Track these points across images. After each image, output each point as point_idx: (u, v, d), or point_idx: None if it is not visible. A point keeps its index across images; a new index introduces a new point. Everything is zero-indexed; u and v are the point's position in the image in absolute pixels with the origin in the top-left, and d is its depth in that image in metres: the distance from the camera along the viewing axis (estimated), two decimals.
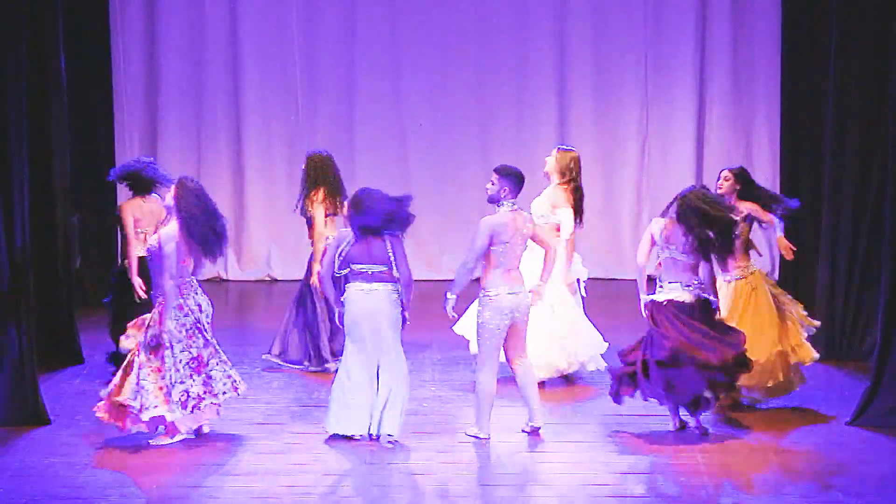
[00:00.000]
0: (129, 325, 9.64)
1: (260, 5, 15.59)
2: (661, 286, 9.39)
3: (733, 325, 9.65)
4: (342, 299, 9.19)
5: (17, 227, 9.61)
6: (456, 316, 9.24)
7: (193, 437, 9.16)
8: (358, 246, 9.10)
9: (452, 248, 15.35)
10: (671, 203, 9.34)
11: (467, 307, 10.19)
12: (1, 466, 8.62)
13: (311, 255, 10.86)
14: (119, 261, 10.87)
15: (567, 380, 10.76)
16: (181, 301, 9.08)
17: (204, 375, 9.12)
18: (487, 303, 9.07)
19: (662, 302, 9.31)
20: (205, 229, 9.08)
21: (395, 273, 9.08)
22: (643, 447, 9.14)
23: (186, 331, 9.07)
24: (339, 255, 9.12)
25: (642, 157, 15.77)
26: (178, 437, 9.11)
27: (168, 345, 8.99)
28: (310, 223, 10.84)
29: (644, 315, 9.35)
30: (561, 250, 10.15)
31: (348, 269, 9.11)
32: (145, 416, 8.96)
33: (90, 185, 13.86)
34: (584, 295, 10.61)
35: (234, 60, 15.60)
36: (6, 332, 9.56)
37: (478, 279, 9.21)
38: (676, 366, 9.12)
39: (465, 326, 10.39)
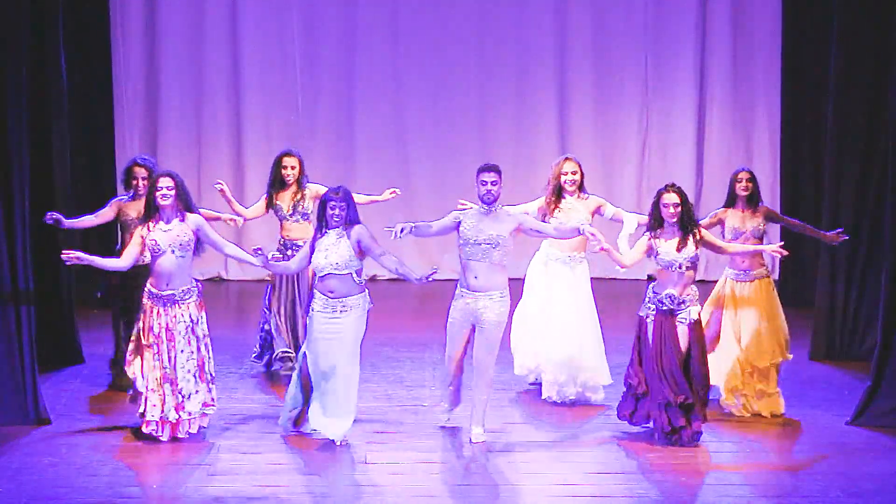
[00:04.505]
0: None
1: (260, 6, 15.59)
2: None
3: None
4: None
5: (17, 227, 9.62)
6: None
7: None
8: None
9: (453, 248, 15.25)
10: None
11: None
12: (1, 466, 8.62)
13: None
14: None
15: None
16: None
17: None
18: None
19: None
20: None
21: None
22: (643, 447, 9.15)
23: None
24: None
25: (642, 156, 15.77)
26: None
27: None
28: None
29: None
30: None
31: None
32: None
33: (90, 185, 13.86)
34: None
35: (235, 61, 15.60)
36: (6, 332, 9.57)
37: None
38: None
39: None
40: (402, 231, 9.04)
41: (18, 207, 9.63)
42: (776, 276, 15.03)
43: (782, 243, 9.66)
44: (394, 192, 11.03)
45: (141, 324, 9.26)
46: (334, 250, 9.06)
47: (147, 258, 9.34)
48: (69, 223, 10.23)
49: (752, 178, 10.16)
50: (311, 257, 9.18)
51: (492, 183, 9.18)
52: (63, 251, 9.10)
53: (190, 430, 9.27)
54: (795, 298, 14.02)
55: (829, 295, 11.61)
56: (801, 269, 14.13)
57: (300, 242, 10.74)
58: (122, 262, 9.30)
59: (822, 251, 11.71)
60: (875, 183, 11.24)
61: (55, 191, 11.25)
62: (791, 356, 10.11)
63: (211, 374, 9.36)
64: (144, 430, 9.18)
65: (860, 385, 9.98)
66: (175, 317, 9.19)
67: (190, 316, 9.24)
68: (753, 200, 10.13)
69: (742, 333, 10.00)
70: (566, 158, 10.48)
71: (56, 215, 10.10)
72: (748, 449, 9.13)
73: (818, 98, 13.25)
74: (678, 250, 9.22)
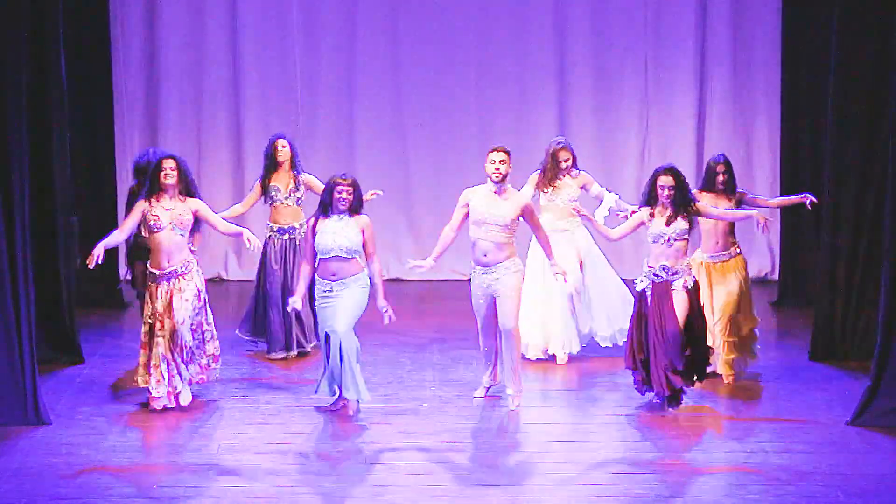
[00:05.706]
0: None
1: (260, 5, 15.58)
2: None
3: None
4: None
5: (17, 227, 9.62)
6: None
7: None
8: None
9: (452, 247, 15.30)
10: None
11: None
12: (1, 466, 8.62)
13: None
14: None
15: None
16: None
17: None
18: None
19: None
20: None
21: None
22: (643, 447, 9.15)
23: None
24: None
25: (642, 156, 15.77)
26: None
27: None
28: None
29: None
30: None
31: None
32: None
33: (90, 185, 13.85)
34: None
35: (235, 60, 15.59)
36: (6, 331, 9.57)
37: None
38: None
39: None
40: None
41: (18, 207, 9.62)
42: (776, 275, 15.04)
43: (769, 220, 10.18)
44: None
45: (147, 308, 9.85)
46: (342, 233, 9.45)
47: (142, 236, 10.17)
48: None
49: (728, 170, 10.68)
50: (312, 240, 9.57)
51: (500, 161, 9.65)
52: (86, 261, 9.53)
53: (199, 380, 9.93)
54: (795, 298, 14.04)
55: (829, 295, 11.60)
56: (801, 269, 14.12)
57: (296, 225, 11.41)
58: (121, 235, 9.93)
59: (822, 251, 11.70)
60: (875, 183, 11.22)
61: (55, 191, 11.23)
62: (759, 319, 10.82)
63: (212, 334, 9.97)
64: (155, 406, 9.75)
65: (860, 385, 9.98)
66: (179, 289, 9.70)
67: (195, 284, 9.78)
68: (730, 188, 10.66)
69: (721, 302, 10.56)
70: (561, 148, 11.30)
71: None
72: (748, 449, 9.12)
73: (818, 97, 13.23)
74: (667, 224, 9.72)
